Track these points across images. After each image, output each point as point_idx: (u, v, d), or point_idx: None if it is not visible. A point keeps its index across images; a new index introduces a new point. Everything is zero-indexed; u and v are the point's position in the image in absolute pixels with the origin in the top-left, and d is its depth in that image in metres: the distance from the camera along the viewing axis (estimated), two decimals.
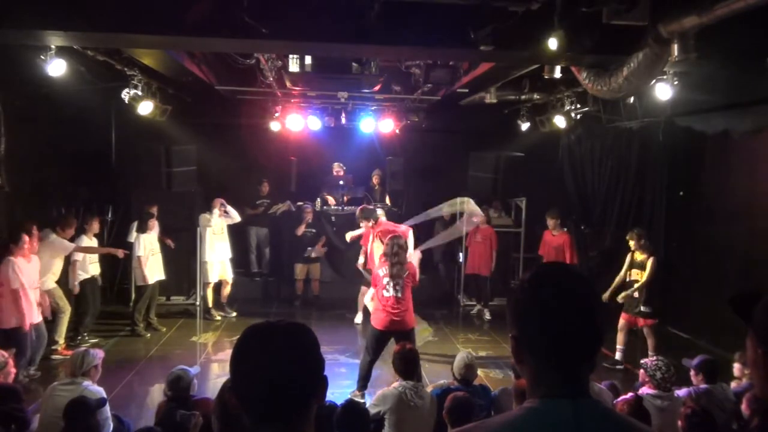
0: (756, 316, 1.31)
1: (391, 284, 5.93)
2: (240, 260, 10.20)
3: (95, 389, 4.28)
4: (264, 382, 1.26)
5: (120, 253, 7.91)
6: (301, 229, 9.88)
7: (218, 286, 9.32)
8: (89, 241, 7.73)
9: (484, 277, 9.81)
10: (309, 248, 9.91)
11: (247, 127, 11.29)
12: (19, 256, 6.22)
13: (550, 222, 8.97)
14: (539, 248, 9.23)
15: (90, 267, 7.79)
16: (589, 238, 10.10)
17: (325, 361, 1.35)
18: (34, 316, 6.32)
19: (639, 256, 7.15)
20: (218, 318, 9.07)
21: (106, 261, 8.42)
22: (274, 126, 10.70)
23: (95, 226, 7.86)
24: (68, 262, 7.46)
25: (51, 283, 7.13)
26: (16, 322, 6.12)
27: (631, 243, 7.22)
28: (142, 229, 8.24)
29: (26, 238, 6.28)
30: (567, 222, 9.32)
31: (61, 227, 7.28)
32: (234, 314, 9.28)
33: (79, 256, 7.58)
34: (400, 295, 5.91)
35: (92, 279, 7.85)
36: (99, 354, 4.56)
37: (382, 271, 6.02)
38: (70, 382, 4.32)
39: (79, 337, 7.68)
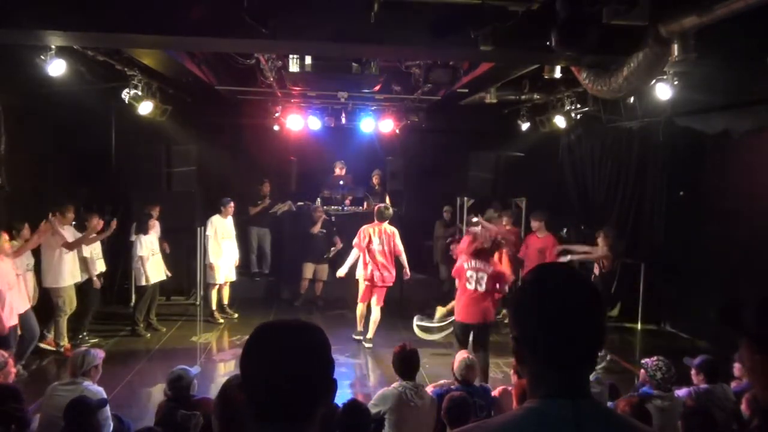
0: (747, 322, 1.29)
1: (475, 277, 6.10)
2: (240, 260, 10.17)
3: (95, 389, 4.29)
4: (272, 381, 1.25)
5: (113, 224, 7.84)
6: (316, 228, 9.82)
7: (220, 288, 9.26)
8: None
9: None
10: (332, 248, 9.87)
11: (247, 127, 11.29)
12: None
13: (535, 224, 8.50)
14: (520, 251, 8.69)
15: (98, 263, 7.80)
16: (589, 238, 10.09)
17: (335, 363, 1.33)
18: (13, 318, 6.12)
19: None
20: (221, 321, 9.03)
21: (106, 261, 8.40)
22: (274, 126, 10.68)
23: (95, 223, 7.83)
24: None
25: (69, 280, 7.20)
26: None
27: (599, 240, 7.60)
28: (143, 229, 8.22)
29: (6, 237, 6.19)
30: (567, 222, 9.25)
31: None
32: (236, 315, 9.25)
33: (86, 254, 7.59)
34: (481, 288, 6.08)
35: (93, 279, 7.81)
36: (99, 354, 4.56)
37: (467, 264, 6.21)
38: (71, 382, 4.33)
39: (80, 337, 7.68)
